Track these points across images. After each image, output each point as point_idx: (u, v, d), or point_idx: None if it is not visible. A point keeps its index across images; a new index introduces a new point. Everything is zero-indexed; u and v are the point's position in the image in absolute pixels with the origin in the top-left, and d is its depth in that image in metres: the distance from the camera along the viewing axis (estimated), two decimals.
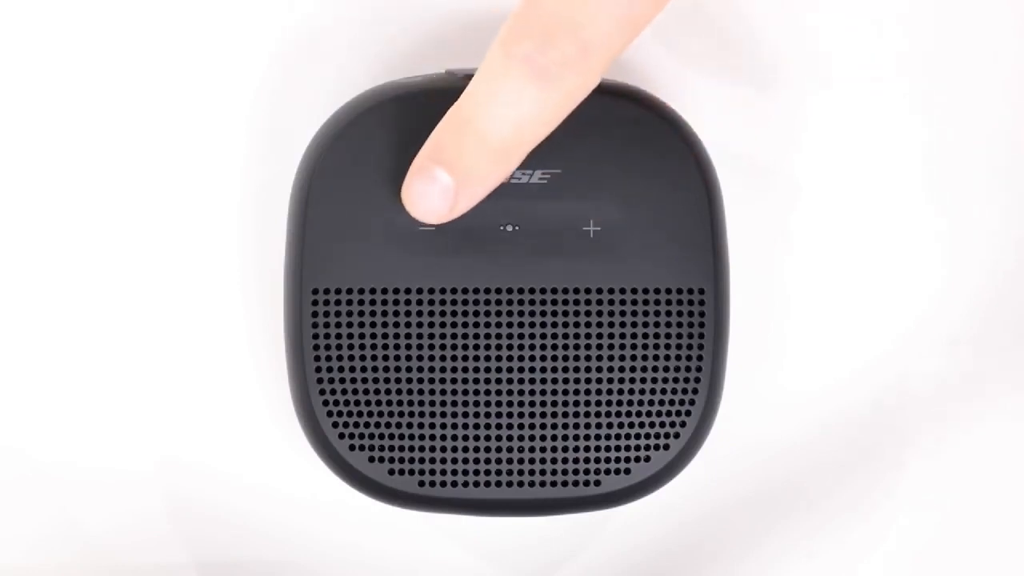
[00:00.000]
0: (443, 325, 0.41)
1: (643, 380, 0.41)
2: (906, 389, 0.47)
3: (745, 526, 0.47)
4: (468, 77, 0.41)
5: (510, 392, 0.41)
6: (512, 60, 0.37)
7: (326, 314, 0.41)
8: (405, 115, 0.41)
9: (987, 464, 0.47)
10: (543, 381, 0.41)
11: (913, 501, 0.47)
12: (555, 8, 0.36)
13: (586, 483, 0.41)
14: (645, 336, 0.41)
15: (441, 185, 0.38)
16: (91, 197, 0.46)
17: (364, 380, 0.41)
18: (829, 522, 0.47)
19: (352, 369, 0.41)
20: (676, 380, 0.41)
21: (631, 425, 0.41)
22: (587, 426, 0.41)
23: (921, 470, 0.47)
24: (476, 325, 0.41)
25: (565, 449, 0.41)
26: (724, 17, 0.46)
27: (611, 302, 0.41)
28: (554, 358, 0.41)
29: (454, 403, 0.41)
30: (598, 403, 0.41)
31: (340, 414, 0.41)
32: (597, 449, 0.41)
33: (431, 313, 0.41)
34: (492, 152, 0.38)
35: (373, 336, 0.41)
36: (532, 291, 0.41)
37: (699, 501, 0.46)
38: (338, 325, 0.41)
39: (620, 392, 0.41)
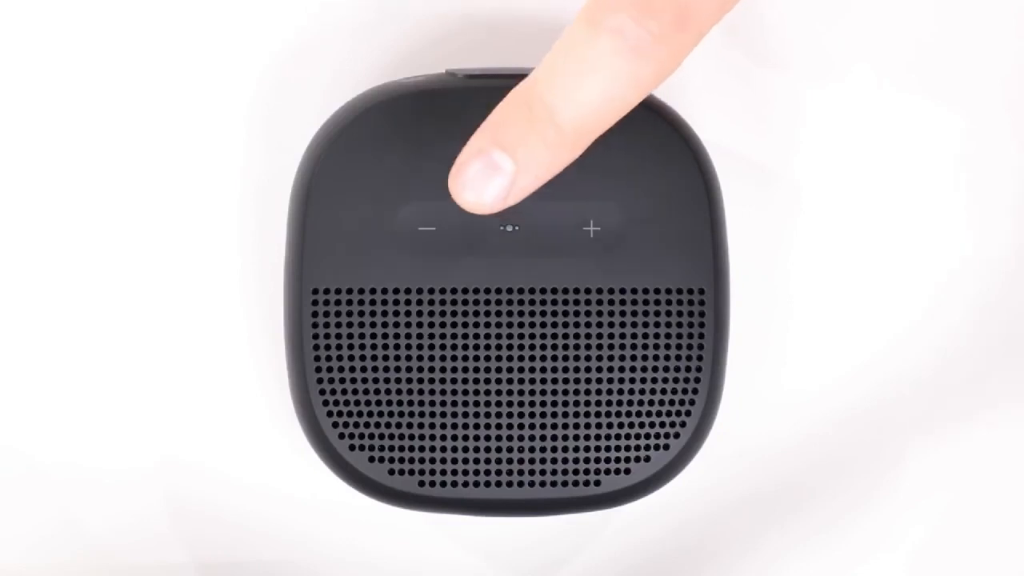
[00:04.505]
0: (443, 325, 0.41)
1: (643, 380, 0.41)
2: (906, 389, 0.47)
3: (745, 526, 0.47)
4: (468, 77, 0.41)
5: (510, 392, 0.41)
6: (601, 32, 0.33)
7: (326, 314, 0.41)
8: (405, 115, 0.41)
9: (987, 465, 0.47)
10: (543, 381, 0.41)
11: (913, 501, 0.47)
12: None
13: (586, 483, 0.41)
14: (645, 336, 0.41)
15: (499, 171, 0.35)
16: (91, 197, 0.46)
17: (364, 380, 0.41)
18: (829, 522, 0.47)
19: (352, 369, 0.41)
20: (676, 380, 0.41)
21: (631, 425, 0.41)
22: (587, 426, 0.41)
23: (921, 470, 0.47)
24: (476, 325, 0.41)
25: (565, 449, 0.41)
26: (724, 17, 0.46)
27: (611, 302, 0.41)
28: (554, 358, 0.41)
29: (454, 403, 0.41)
30: (598, 403, 0.41)
31: (340, 414, 0.41)
32: (597, 449, 0.41)
33: (431, 313, 0.41)
34: (563, 135, 0.35)
35: (373, 336, 0.41)
36: (532, 291, 0.41)
37: (699, 501, 0.46)
38: (338, 325, 0.41)
39: (620, 392, 0.41)
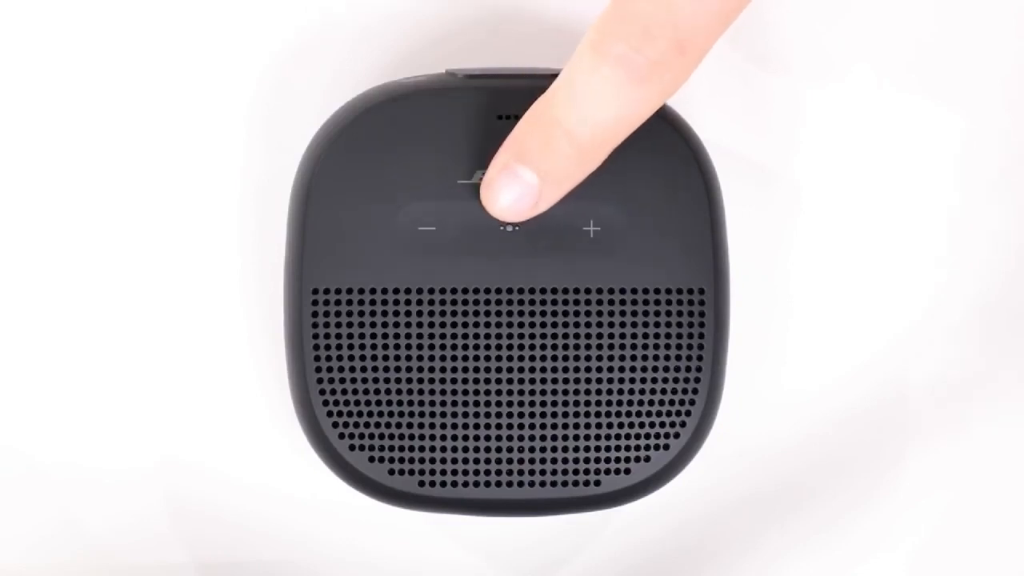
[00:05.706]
0: (443, 325, 0.41)
1: (643, 380, 0.41)
2: (906, 389, 0.47)
3: (745, 526, 0.47)
4: (468, 77, 0.41)
5: (510, 392, 0.41)
6: (606, 60, 0.36)
7: (326, 314, 0.41)
8: (405, 115, 0.41)
9: (987, 465, 0.47)
10: (543, 381, 0.41)
11: (913, 501, 0.47)
12: (649, 7, 0.36)
13: (586, 483, 0.41)
14: (645, 336, 0.41)
15: (525, 184, 0.39)
16: (91, 197, 0.46)
17: (364, 380, 0.41)
18: (829, 522, 0.47)
19: (352, 369, 0.41)
20: (676, 380, 0.41)
21: (631, 425, 0.41)
22: (587, 426, 0.41)
23: (921, 470, 0.47)
24: (476, 325, 0.41)
25: (565, 449, 0.41)
26: None
27: (611, 302, 0.41)
28: (554, 358, 0.41)
29: (454, 403, 0.41)
30: (598, 403, 0.41)
31: (340, 414, 0.41)
32: (597, 449, 0.41)
33: (431, 313, 0.41)
34: (580, 152, 0.38)
35: (373, 336, 0.41)
36: (532, 291, 0.41)
37: (699, 501, 0.46)
38: (338, 325, 0.41)
39: (620, 392, 0.41)
